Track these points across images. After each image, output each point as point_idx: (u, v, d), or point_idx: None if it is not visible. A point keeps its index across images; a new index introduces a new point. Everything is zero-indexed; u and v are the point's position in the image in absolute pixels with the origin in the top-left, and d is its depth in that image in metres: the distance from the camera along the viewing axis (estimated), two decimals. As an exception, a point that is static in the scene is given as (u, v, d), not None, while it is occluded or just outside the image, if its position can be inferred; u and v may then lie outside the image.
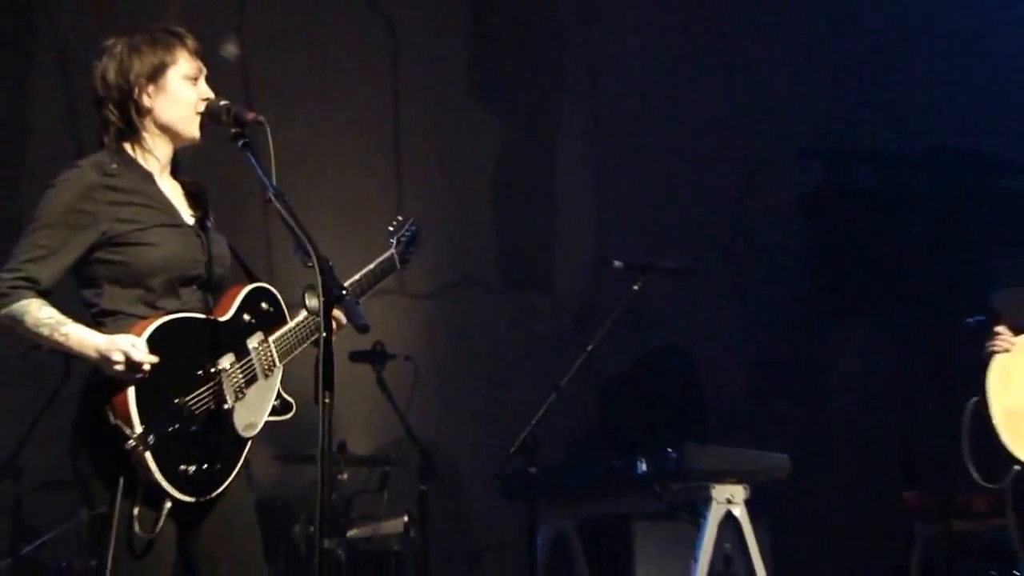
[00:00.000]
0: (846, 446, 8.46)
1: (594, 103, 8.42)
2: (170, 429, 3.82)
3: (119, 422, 3.75)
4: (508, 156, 8.16)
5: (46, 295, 3.88)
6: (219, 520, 4.04)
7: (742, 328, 8.51)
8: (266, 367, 4.09)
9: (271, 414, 4.12)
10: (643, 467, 5.98)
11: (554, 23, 8.37)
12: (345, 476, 6.64)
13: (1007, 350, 5.56)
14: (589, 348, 5.91)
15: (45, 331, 3.83)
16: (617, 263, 6.06)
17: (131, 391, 3.77)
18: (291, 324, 4.11)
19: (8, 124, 7.15)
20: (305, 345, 4.13)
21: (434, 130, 8.01)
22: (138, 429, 3.76)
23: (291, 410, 4.12)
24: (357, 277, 4.39)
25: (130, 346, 3.76)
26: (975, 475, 5.57)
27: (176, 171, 4.18)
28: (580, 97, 8.38)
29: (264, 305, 4.14)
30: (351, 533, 6.61)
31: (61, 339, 3.85)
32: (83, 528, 5.74)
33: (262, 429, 4.10)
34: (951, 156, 8.50)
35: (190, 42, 4.11)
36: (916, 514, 7.16)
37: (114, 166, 3.99)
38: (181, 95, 4.06)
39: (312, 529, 6.16)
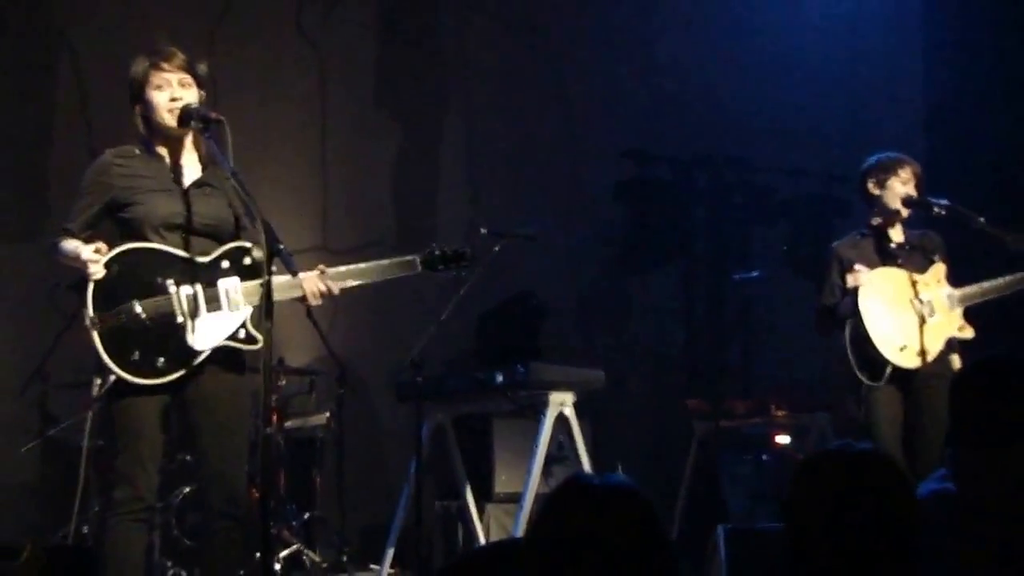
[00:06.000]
0: (646, 364, 8.56)
1: (468, 113, 8.43)
2: (119, 319, 3.91)
3: (83, 309, 3.90)
4: (405, 149, 8.14)
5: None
6: (203, 401, 4.10)
7: (574, 278, 8.57)
8: (232, 303, 4.08)
9: (238, 341, 4.11)
10: (500, 379, 6.00)
11: (440, 55, 8.36)
12: (284, 382, 6.62)
13: (869, 281, 5.31)
14: (461, 291, 5.83)
15: (71, 255, 4.03)
16: (483, 230, 5.97)
17: (90, 286, 3.92)
18: (263, 279, 4.00)
19: (34, 138, 7.01)
20: (281, 298, 4.07)
21: (351, 131, 7.97)
22: (91, 313, 3.89)
23: (256, 343, 4.09)
24: (363, 265, 4.35)
25: (90, 249, 3.94)
26: (862, 378, 5.28)
27: (205, 154, 4.20)
28: (458, 108, 8.40)
29: (247, 260, 4.14)
30: (287, 424, 6.63)
31: (70, 254, 4.02)
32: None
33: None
34: (722, 159, 8.61)
35: (159, 59, 4.14)
36: (695, 415, 7.29)
37: (136, 151, 4.14)
38: (153, 101, 4.12)
39: (259, 421, 6.15)
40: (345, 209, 7.89)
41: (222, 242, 4.16)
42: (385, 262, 4.42)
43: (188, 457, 5.81)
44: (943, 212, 5.45)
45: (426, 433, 6.14)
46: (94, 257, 3.92)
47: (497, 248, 5.91)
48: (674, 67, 8.79)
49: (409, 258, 4.50)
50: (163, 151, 4.16)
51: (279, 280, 4.03)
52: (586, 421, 6.52)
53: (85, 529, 5.76)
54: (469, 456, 6.65)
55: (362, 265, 4.34)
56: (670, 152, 8.66)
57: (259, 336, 4.06)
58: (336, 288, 4.23)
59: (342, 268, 4.28)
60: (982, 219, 5.40)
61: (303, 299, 4.20)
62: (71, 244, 4.04)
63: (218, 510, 4.13)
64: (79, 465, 5.45)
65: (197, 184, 4.17)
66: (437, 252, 4.58)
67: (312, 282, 4.19)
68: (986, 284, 5.51)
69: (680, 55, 8.80)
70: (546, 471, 6.22)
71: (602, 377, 6.16)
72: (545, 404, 5.92)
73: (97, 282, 3.93)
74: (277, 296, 4.01)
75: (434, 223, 8.14)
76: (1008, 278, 5.48)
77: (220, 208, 4.18)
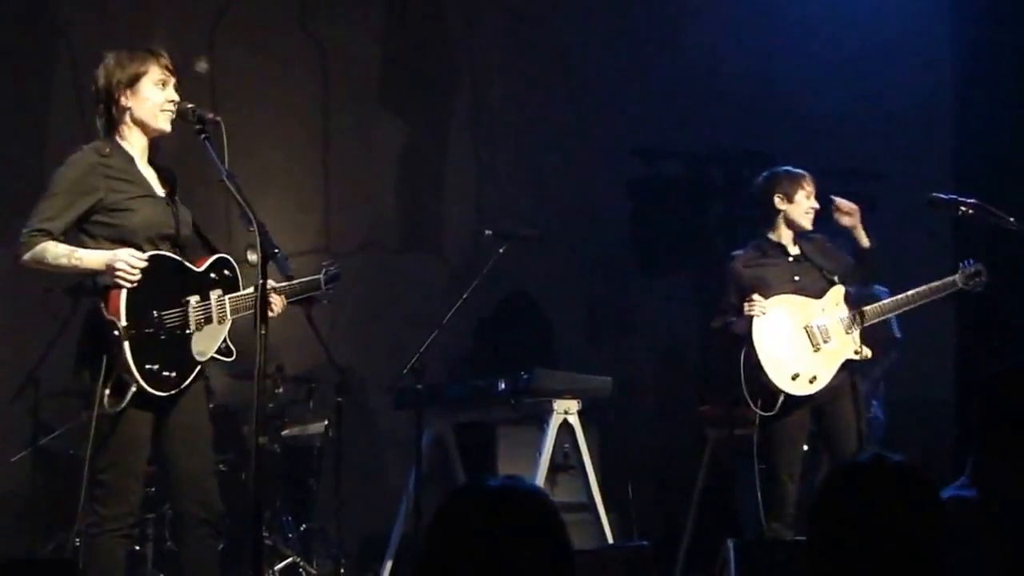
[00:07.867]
0: (657, 370, 8.47)
1: (475, 112, 8.34)
2: (147, 331, 3.87)
3: (112, 317, 3.80)
4: (409, 149, 8.06)
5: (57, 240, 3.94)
6: (180, 420, 4.07)
7: (582, 280, 8.47)
8: (219, 315, 4.09)
9: (219, 353, 4.13)
10: (502, 386, 5.96)
11: (447, 50, 8.27)
12: (281, 390, 6.57)
13: (763, 313, 5.38)
14: (465, 295, 5.85)
15: (63, 260, 3.97)
16: (488, 232, 5.99)
17: (124, 293, 3.82)
18: (248, 291, 4.07)
19: (29, 141, 6.95)
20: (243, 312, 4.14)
21: (354, 130, 7.90)
22: (124, 322, 3.80)
23: (232, 356, 4.11)
24: (284, 283, 4.25)
25: (130, 255, 3.84)
26: (755, 408, 5.40)
27: (153, 159, 4.16)
28: (463, 107, 8.30)
29: (226, 272, 4.14)
30: (285, 432, 6.61)
31: (76, 262, 3.90)
32: (87, 425, 5.62)
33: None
34: (734, 154, 8.49)
35: (162, 57, 4.10)
36: (708, 422, 7.18)
37: (107, 150, 4.03)
38: (151, 97, 4.05)
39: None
40: (348, 211, 7.82)
41: (189, 255, 4.15)
42: (305, 279, 4.36)
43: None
44: (970, 211, 5.34)
45: (426, 441, 6.07)
46: (136, 262, 3.84)
47: (501, 250, 5.87)
48: (688, 61, 8.68)
49: (315, 277, 4.44)
50: (133, 153, 4.10)
51: (247, 291, 4.08)
52: (594, 429, 6.46)
53: (78, 541, 5.72)
54: (472, 465, 6.60)
55: (295, 281, 4.29)
56: (684, 148, 8.56)
57: (234, 349, 4.12)
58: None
59: (293, 282, 4.25)
60: (1012, 219, 5.30)
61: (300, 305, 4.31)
62: (62, 248, 3.90)
63: (193, 516, 4.09)
64: (72, 475, 5.38)
65: (172, 194, 4.16)
66: (334, 271, 4.54)
67: (279, 301, 4.19)
68: (886, 302, 5.55)
69: (694, 49, 8.70)
70: (551, 480, 6.19)
71: (609, 383, 6.09)
72: (549, 412, 5.87)
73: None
74: (242, 310, 4.10)
75: (438, 224, 8.07)
76: (910, 293, 5.51)
77: (189, 218, 4.19)
